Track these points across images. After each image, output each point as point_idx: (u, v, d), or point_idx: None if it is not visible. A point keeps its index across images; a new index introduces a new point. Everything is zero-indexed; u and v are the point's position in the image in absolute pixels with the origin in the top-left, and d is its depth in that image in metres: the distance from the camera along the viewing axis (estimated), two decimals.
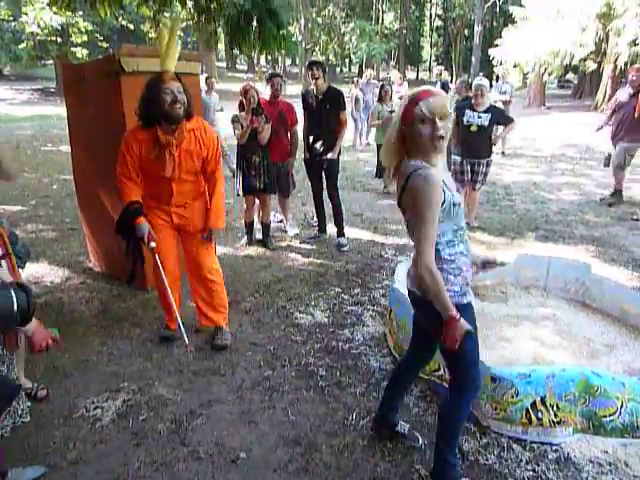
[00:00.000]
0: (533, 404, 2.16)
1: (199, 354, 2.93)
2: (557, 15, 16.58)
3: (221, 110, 8.42)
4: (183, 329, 2.85)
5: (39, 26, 19.49)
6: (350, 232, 5.02)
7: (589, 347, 2.91)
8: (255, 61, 36.52)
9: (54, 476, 2.03)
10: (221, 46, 34.55)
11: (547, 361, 2.73)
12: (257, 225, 4.98)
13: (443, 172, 1.72)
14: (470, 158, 5.07)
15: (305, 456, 2.13)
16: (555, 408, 2.15)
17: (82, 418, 2.37)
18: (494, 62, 18.63)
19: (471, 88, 5.25)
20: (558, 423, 2.17)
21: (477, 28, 28.28)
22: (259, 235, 4.93)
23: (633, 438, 2.17)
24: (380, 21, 38.06)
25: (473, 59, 28.60)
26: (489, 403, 2.23)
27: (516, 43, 17.43)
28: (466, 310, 1.75)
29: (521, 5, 19.07)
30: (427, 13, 44.45)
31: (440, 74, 12.67)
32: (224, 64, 40.75)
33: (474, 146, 4.98)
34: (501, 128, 5.63)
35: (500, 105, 8.40)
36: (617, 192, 6.29)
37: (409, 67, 43.92)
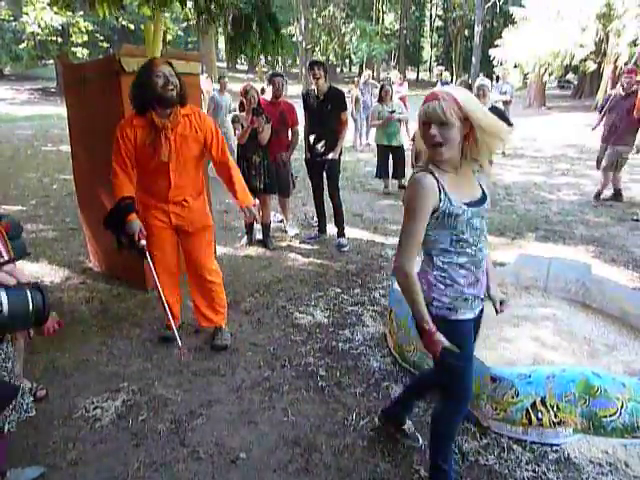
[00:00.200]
0: (533, 404, 2.15)
1: (199, 354, 2.93)
2: (557, 15, 16.59)
3: (234, 110, 8.41)
4: (177, 333, 2.81)
5: (40, 26, 19.54)
6: (350, 232, 5.02)
7: (589, 347, 2.91)
8: (255, 61, 36.52)
9: (53, 476, 2.03)
10: (221, 46, 34.54)
11: (547, 361, 2.73)
12: (257, 225, 4.98)
13: (461, 179, 1.62)
14: None
15: (305, 456, 2.13)
16: (555, 408, 2.15)
17: (82, 418, 2.37)
18: (494, 62, 18.65)
19: (471, 88, 5.25)
20: (558, 424, 2.16)
21: (477, 28, 28.28)
22: (259, 235, 4.93)
23: (633, 438, 2.17)
24: (380, 21, 38.02)
25: (473, 59, 28.60)
26: (489, 403, 2.23)
27: (516, 43, 17.45)
28: (453, 327, 1.66)
29: (521, 5, 19.10)
30: (427, 13, 44.46)
31: (441, 74, 12.64)
32: (224, 64, 40.75)
33: None
34: None
35: (500, 105, 8.40)
36: (599, 194, 6.34)
37: (409, 67, 43.90)
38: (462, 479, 2.01)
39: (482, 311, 1.80)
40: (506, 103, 9.65)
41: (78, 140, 3.99)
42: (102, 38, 24.42)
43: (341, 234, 4.79)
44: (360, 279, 4.02)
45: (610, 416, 2.16)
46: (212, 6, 4.63)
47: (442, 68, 13.55)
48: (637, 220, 5.51)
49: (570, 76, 29.58)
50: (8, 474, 1.90)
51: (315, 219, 5.21)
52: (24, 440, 2.20)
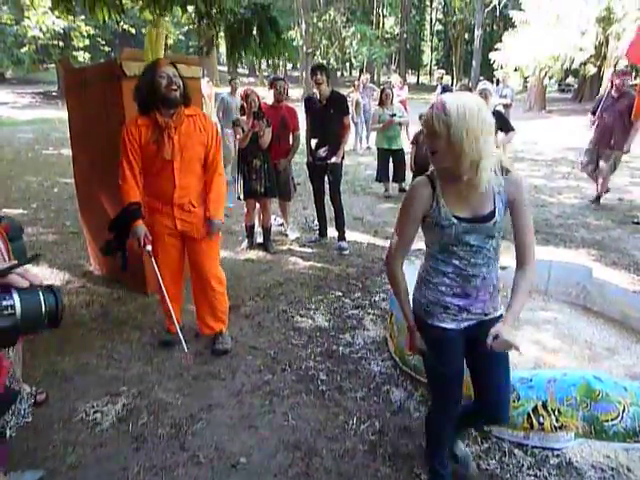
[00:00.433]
0: (534, 409, 2.15)
1: (199, 358, 2.92)
2: (557, 19, 16.64)
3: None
4: (182, 338, 2.82)
5: (41, 30, 19.63)
6: (351, 236, 5.02)
7: (590, 351, 2.90)
8: (256, 65, 36.61)
9: None
10: (222, 50, 34.66)
11: (548, 365, 2.72)
12: (258, 229, 4.98)
13: (469, 191, 1.53)
14: None
15: (305, 461, 2.12)
16: (557, 413, 2.14)
17: (82, 422, 2.37)
18: (495, 66, 18.68)
19: (471, 92, 5.26)
20: (560, 428, 2.16)
21: (477, 32, 28.40)
22: (260, 239, 4.93)
23: (635, 443, 2.16)
24: (381, 25, 38.13)
25: (474, 63, 28.70)
26: None
27: (516, 47, 17.50)
28: (428, 331, 1.69)
29: (521, 9, 19.13)
30: (427, 17, 44.57)
31: (441, 78, 12.67)
32: (225, 68, 40.87)
33: None
34: (501, 134, 5.62)
35: (501, 109, 8.40)
36: (598, 197, 6.33)
37: (410, 71, 43.97)
38: None
39: (481, 329, 1.68)
40: (506, 106, 9.65)
41: (79, 144, 4.00)
42: (103, 42, 24.53)
43: (342, 238, 4.79)
44: (361, 283, 4.02)
45: (612, 420, 2.15)
46: (213, 11, 4.64)
47: (443, 72, 13.60)
48: (638, 223, 5.51)
49: (570, 79, 29.64)
50: (8, 477, 1.89)
51: (315, 223, 5.22)
52: (24, 443, 2.19)
